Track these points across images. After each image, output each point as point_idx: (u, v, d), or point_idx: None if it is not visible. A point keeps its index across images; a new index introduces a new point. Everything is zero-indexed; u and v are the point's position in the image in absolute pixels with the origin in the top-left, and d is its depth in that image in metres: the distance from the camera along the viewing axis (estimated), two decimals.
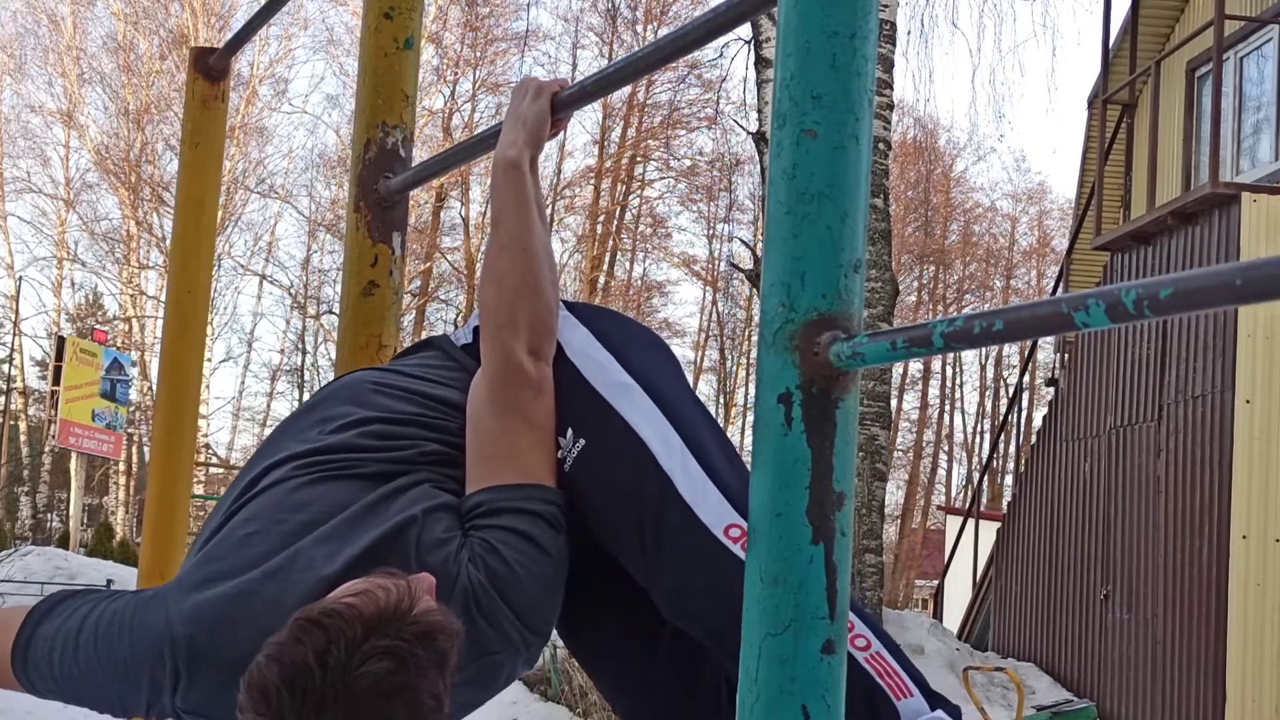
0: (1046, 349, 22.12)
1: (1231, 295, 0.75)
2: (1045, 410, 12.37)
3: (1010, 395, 24.88)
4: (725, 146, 28.35)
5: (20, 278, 29.14)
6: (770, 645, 0.94)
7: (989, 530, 13.41)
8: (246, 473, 1.74)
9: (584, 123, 29.92)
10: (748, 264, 13.00)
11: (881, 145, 10.21)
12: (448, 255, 29.62)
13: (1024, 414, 23.00)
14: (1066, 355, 11.98)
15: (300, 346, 31.92)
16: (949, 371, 34.68)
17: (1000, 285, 34.87)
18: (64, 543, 19.62)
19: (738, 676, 1.61)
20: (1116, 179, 12.21)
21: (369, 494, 1.63)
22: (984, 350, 27.69)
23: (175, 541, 2.88)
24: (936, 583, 18.43)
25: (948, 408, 35.37)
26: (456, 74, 28.93)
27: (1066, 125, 61.09)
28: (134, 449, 29.17)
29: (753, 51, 10.88)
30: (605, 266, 30.34)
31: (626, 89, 26.06)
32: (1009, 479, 28.87)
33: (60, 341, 21.77)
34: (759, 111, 10.69)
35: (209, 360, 27.71)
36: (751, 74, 11.73)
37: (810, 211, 0.95)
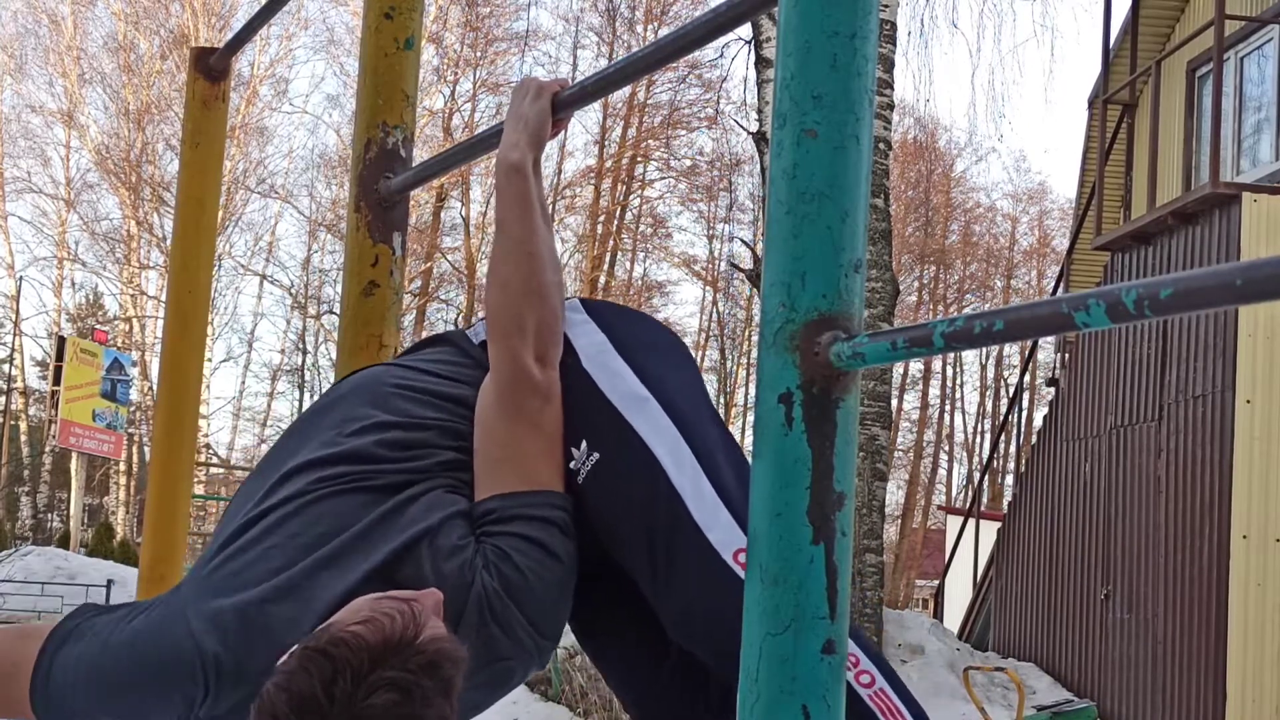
0: (1047, 349, 22.10)
1: (1232, 295, 0.75)
2: (1046, 410, 12.37)
3: (1011, 395, 24.88)
4: (725, 146, 28.38)
5: (21, 278, 29.19)
6: (770, 645, 0.94)
7: (989, 530, 13.41)
8: (265, 474, 1.74)
9: (584, 123, 29.95)
10: (748, 264, 13.01)
11: (882, 145, 10.21)
12: (448, 255, 29.64)
13: (1024, 414, 22.97)
14: (1067, 355, 11.97)
15: (301, 346, 31.95)
16: (949, 371, 34.69)
17: (1000, 285, 34.88)
18: (64, 543, 19.62)
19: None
20: (1117, 179, 12.21)
21: (383, 505, 1.64)
22: (984, 350, 27.69)
23: (175, 541, 2.88)
24: (937, 583, 18.44)
25: (948, 408, 35.39)
26: (457, 74, 28.96)
27: (1066, 125, 61.12)
28: (134, 449, 29.18)
29: (753, 51, 10.89)
30: (606, 266, 30.35)
31: (627, 89, 26.06)
32: (1009, 479, 28.86)
33: (61, 341, 21.78)
34: (759, 111, 10.69)
35: (209, 360, 27.73)
36: (752, 74, 11.73)
37: (811, 211, 0.95)
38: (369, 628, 1.34)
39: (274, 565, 1.59)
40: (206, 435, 28.64)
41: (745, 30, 11.16)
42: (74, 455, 22.21)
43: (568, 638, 1.88)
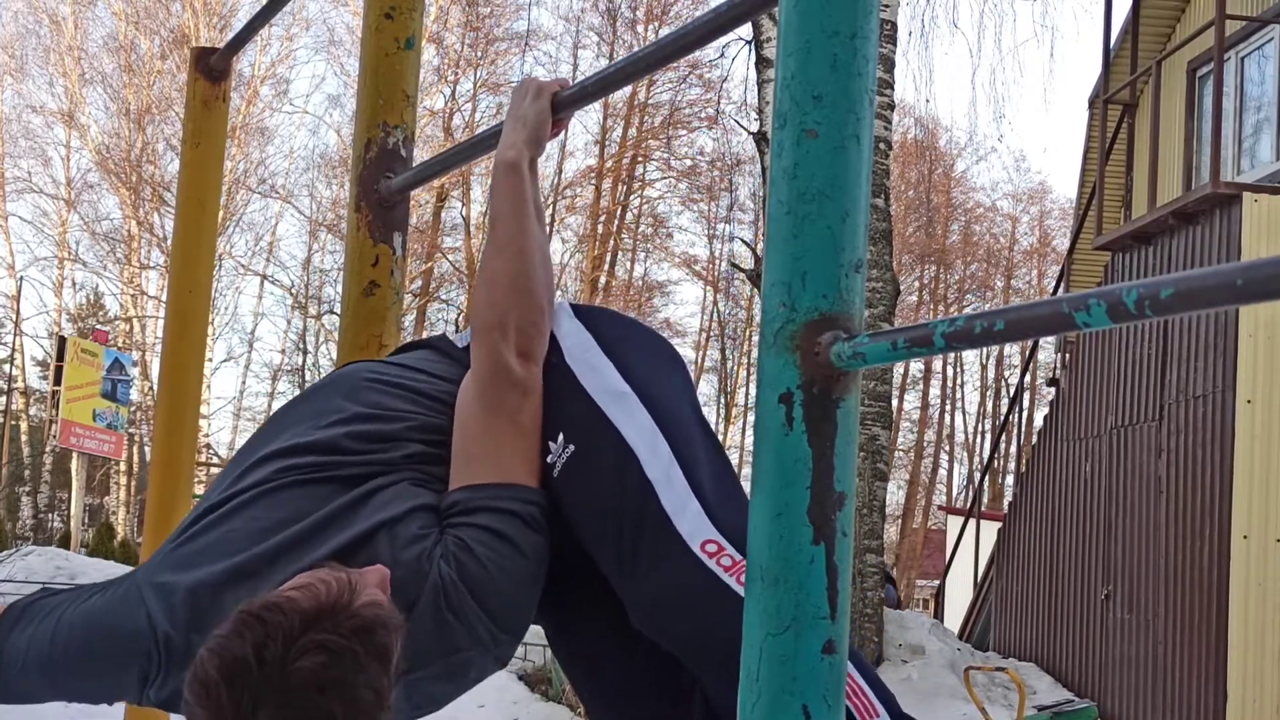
0: (1047, 349, 22.11)
1: (1232, 295, 0.75)
2: (1046, 410, 12.37)
3: (1011, 395, 24.89)
4: (726, 146, 28.35)
5: (21, 278, 29.18)
6: (771, 645, 0.94)
7: (990, 530, 13.41)
8: (238, 462, 1.75)
9: (585, 123, 29.94)
10: (749, 264, 13.01)
11: (882, 145, 10.21)
12: (449, 255, 29.64)
13: (1025, 414, 22.99)
14: (1067, 355, 11.97)
15: (301, 346, 31.95)
16: (950, 371, 34.70)
17: (1001, 285, 34.89)
18: (65, 543, 19.61)
19: (710, 692, 1.61)
20: (1117, 179, 12.21)
21: (346, 495, 1.64)
22: (985, 350, 27.69)
23: None
24: (937, 583, 18.44)
25: (949, 408, 35.39)
26: (457, 74, 28.96)
27: (1066, 125, 61.11)
28: (135, 449, 29.19)
29: (753, 51, 10.89)
30: (606, 266, 30.35)
31: (627, 89, 26.07)
32: (1010, 479, 28.89)
33: (61, 341, 21.77)
34: (760, 111, 10.69)
35: (210, 360, 27.73)
36: (752, 74, 11.74)
37: (811, 211, 0.95)
38: (304, 593, 1.34)
39: (232, 548, 1.60)
40: (207, 435, 28.66)
41: (746, 30, 11.17)
42: (75, 455, 22.20)
43: None
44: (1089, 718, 9.18)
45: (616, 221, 30.60)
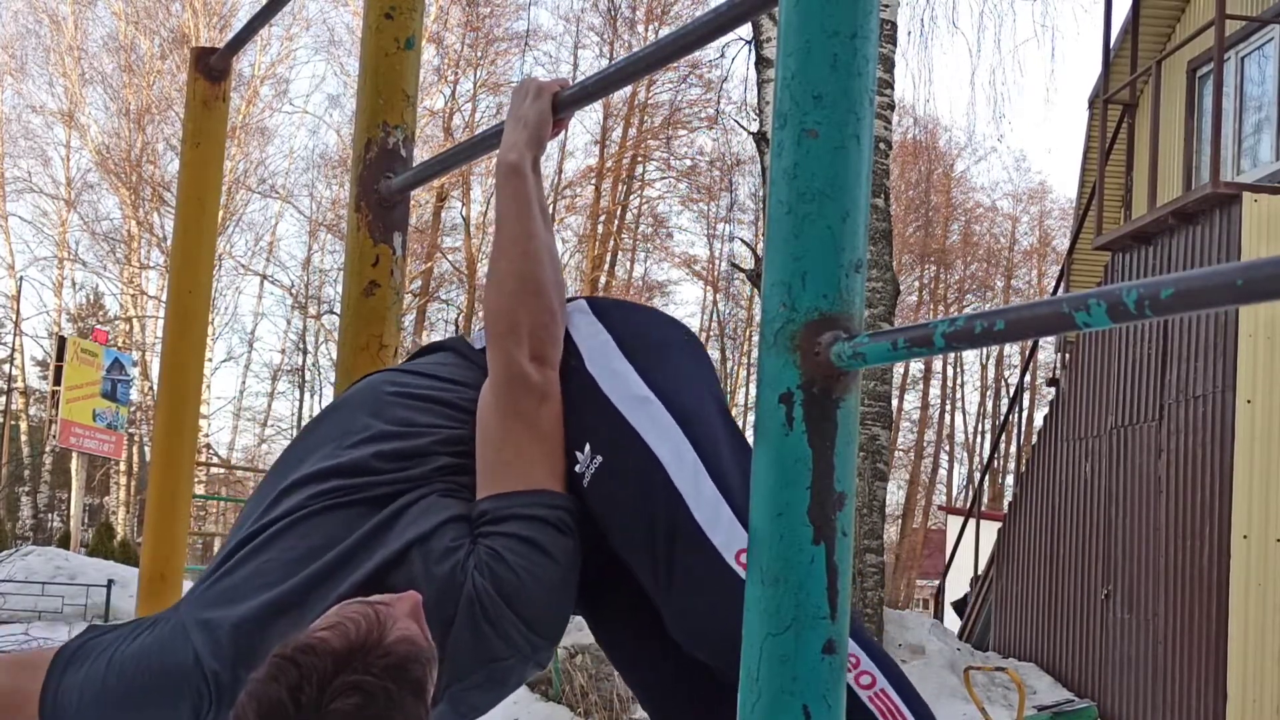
0: (1047, 349, 22.12)
1: (1232, 295, 0.75)
2: (1046, 410, 12.37)
3: (1011, 395, 24.89)
4: (726, 146, 28.34)
5: (21, 278, 29.21)
6: (771, 645, 0.94)
7: (990, 530, 13.41)
8: (271, 484, 1.76)
9: (585, 123, 29.96)
10: (748, 264, 13.01)
11: (882, 145, 10.21)
12: (449, 255, 29.65)
13: (1025, 414, 23.01)
14: (1067, 355, 11.98)
15: (301, 346, 31.96)
16: (950, 371, 34.71)
17: (1001, 285, 34.90)
18: (65, 543, 19.62)
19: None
20: (1117, 179, 12.21)
21: (376, 518, 1.65)
22: (985, 350, 27.69)
23: (176, 541, 2.88)
24: (937, 583, 18.44)
25: (949, 408, 35.40)
26: (457, 74, 28.97)
27: (1066, 125, 61.11)
28: (135, 449, 29.19)
29: (753, 51, 10.89)
30: (606, 266, 30.36)
31: (627, 89, 26.07)
32: (1010, 479, 28.89)
33: (61, 341, 21.78)
34: (760, 111, 10.69)
35: (210, 360, 27.73)
36: (752, 74, 11.73)
37: (811, 211, 0.95)
38: (334, 633, 1.36)
39: (269, 580, 1.61)
40: (207, 435, 28.66)
41: (746, 30, 11.17)
42: (74, 455, 22.21)
43: (568, 638, 1.88)
44: (1089, 718, 9.18)
45: (616, 221, 30.62)
